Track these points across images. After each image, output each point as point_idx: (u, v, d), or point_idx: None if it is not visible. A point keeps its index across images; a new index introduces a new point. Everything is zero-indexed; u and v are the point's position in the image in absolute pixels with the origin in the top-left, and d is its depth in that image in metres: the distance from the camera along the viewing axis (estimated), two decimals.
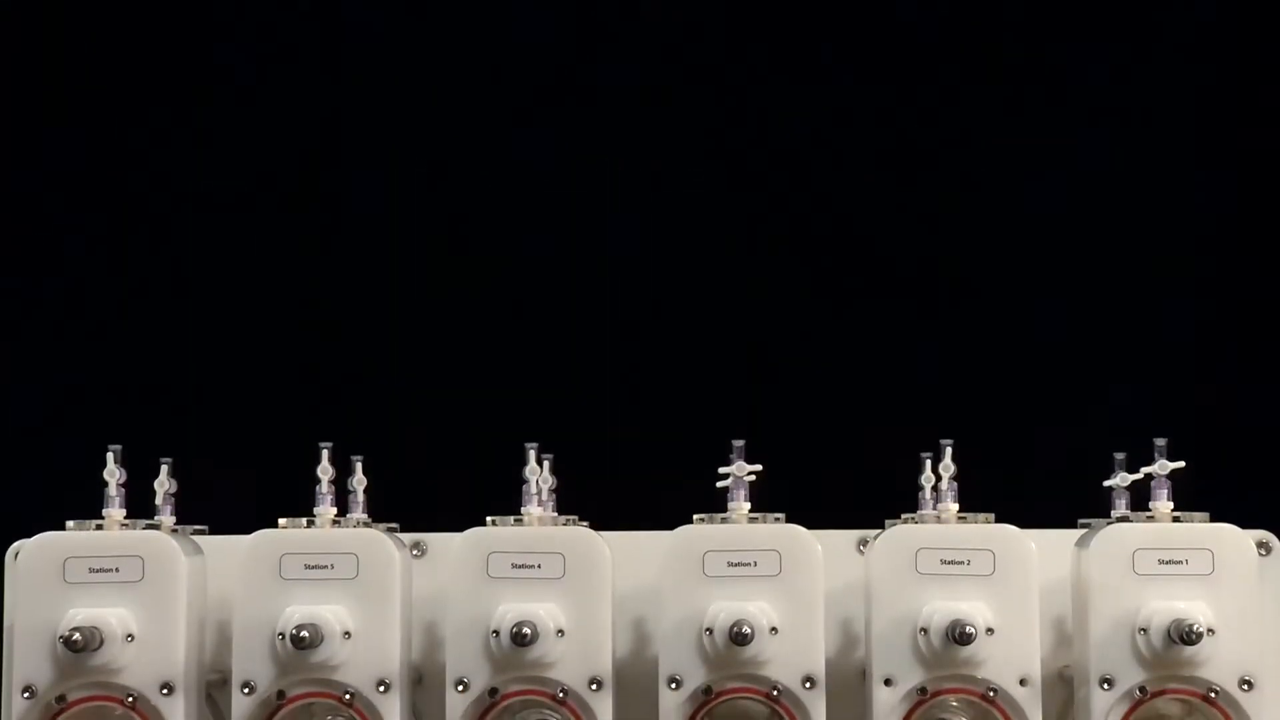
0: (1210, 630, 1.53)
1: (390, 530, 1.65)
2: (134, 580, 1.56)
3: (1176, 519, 1.59)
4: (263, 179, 2.10)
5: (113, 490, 1.61)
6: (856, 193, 2.09)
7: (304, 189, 2.10)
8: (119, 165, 2.10)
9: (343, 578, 1.58)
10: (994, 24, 2.09)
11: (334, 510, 1.62)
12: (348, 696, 1.56)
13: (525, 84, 2.10)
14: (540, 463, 1.63)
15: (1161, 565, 1.56)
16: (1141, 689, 1.55)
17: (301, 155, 2.10)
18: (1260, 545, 1.67)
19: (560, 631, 1.56)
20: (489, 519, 1.61)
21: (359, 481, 1.65)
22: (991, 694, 1.56)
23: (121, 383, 2.05)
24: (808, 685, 1.56)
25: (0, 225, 2.09)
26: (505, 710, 1.59)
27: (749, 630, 1.54)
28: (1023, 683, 1.56)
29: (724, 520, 1.61)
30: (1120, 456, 1.63)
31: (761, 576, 1.57)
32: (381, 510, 1.68)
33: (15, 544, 1.64)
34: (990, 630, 1.55)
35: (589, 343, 2.06)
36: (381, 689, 1.57)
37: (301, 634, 1.53)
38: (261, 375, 2.07)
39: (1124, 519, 1.61)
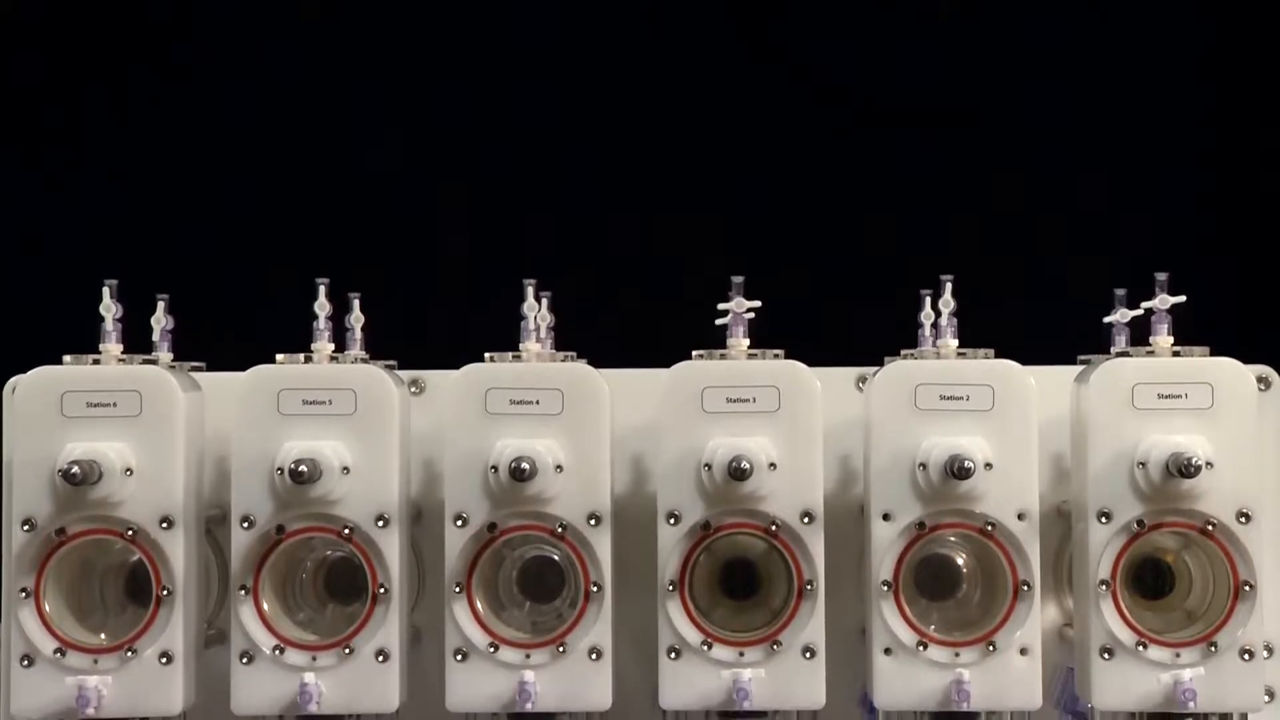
0: (1208, 463, 1.53)
1: (388, 367, 1.64)
2: (132, 415, 1.56)
3: (1176, 353, 1.58)
4: (262, 15, 2.09)
5: (109, 325, 1.60)
6: (859, 24, 2.07)
7: (302, 30, 2.09)
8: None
9: (341, 413, 1.57)
10: None
11: (331, 346, 1.62)
12: (347, 531, 1.57)
13: None
14: (539, 299, 1.62)
15: (1161, 400, 1.56)
16: (1139, 522, 1.55)
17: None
18: (1260, 380, 1.67)
19: (559, 467, 1.56)
20: (487, 355, 1.61)
21: (356, 319, 1.64)
22: (989, 528, 1.56)
23: (119, 218, 2.04)
24: (806, 520, 1.57)
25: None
26: (504, 545, 1.59)
27: (747, 465, 1.53)
28: (1020, 517, 1.56)
29: (723, 356, 1.60)
30: (1121, 292, 1.62)
31: (760, 412, 1.57)
32: (380, 349, 1.67)
33: (12, 379, 1.63)
34: (989, 465, 1.55)
35: (586, 179, 2.06)
36: (380, 524, 1.57)
37: (300, 468, 1.53)
38: (259, 210, 2.07)
39: (1124, 354, 1.60)
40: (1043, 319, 1.94)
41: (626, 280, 2.02)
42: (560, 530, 1.57)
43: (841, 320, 1.97)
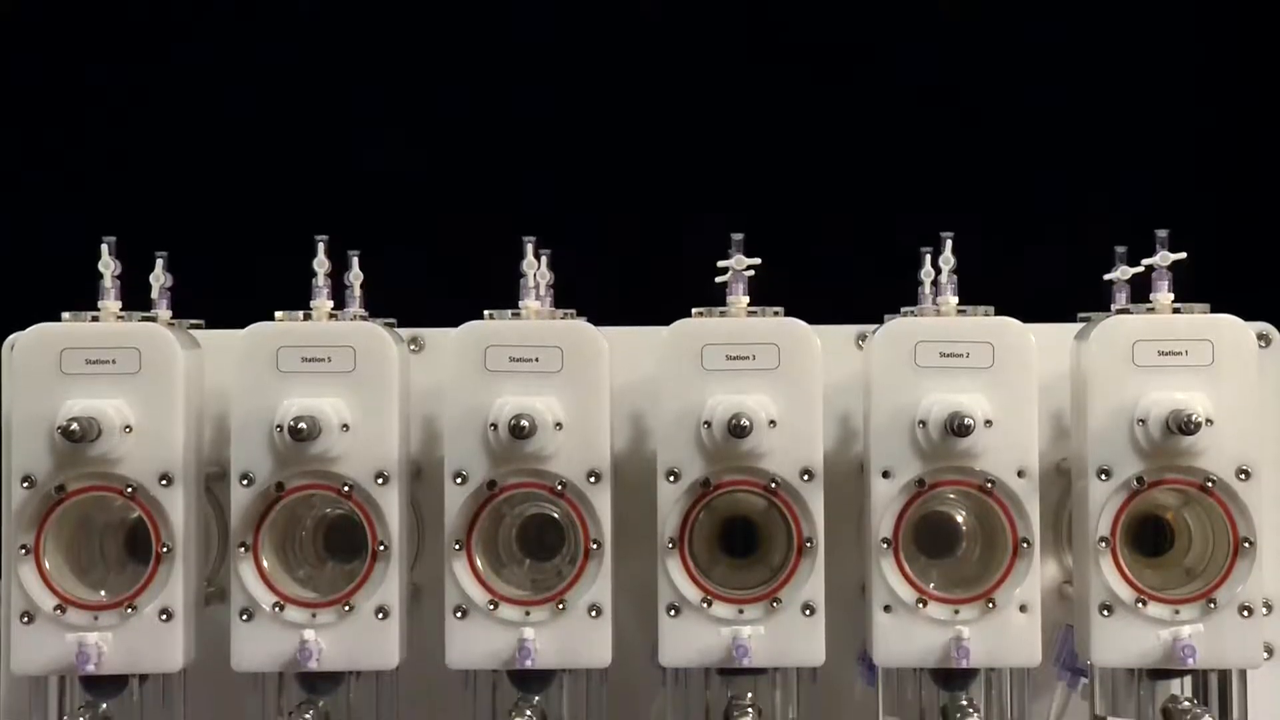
0: (1208, 420, 1.53)
1: (388, 325, 1.64)
2: (131, 372, 1.56)
3: (1177, 310, 1.58)
4: None
5: (108, 282, 1.59)
6: None
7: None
8: None
9: (340, 370, 1.57)
10: None
11: (330, 304, 1.61)
12: (346, 488, 1.57)
13: None
14: (538, 257, 1.62)
15: (1161, 356, 1.55)
16: (1139, 479, 1.55)
17: None
18: (1260, 337, 1.67)
19: (558, 424, 1.56)
20: (486, 312, 1.60)
21: (355, 276, 1.64)
22: (989, 485, 1.56)
23: (118, 175, 2.04)
24: (806, 478, 1.57)
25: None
26: (504, 502, 1.59)
27: (747, 423, 1.53)
28: (1020, 474, 1.56)
29: (722, 314, 1.60)
30: (1121, 250, 1.62)
31: (760, 370, 1.57)
32: (378, 307, 1.67)
33: (11, 336, 1.63)
34: (989, 422, 1.54)
35: (587, 136, 2.05)
36: (380, 481, 1.57)
37: (299, 425, 1.53)
38: (259, 169, 2.06)
39: (1124, 311, 1.60)
40: (1043, 275, 1.94)
41: (626, 237, 2.02)
42: (560, 488, 1.57)
43: (841, 277, 1.97)
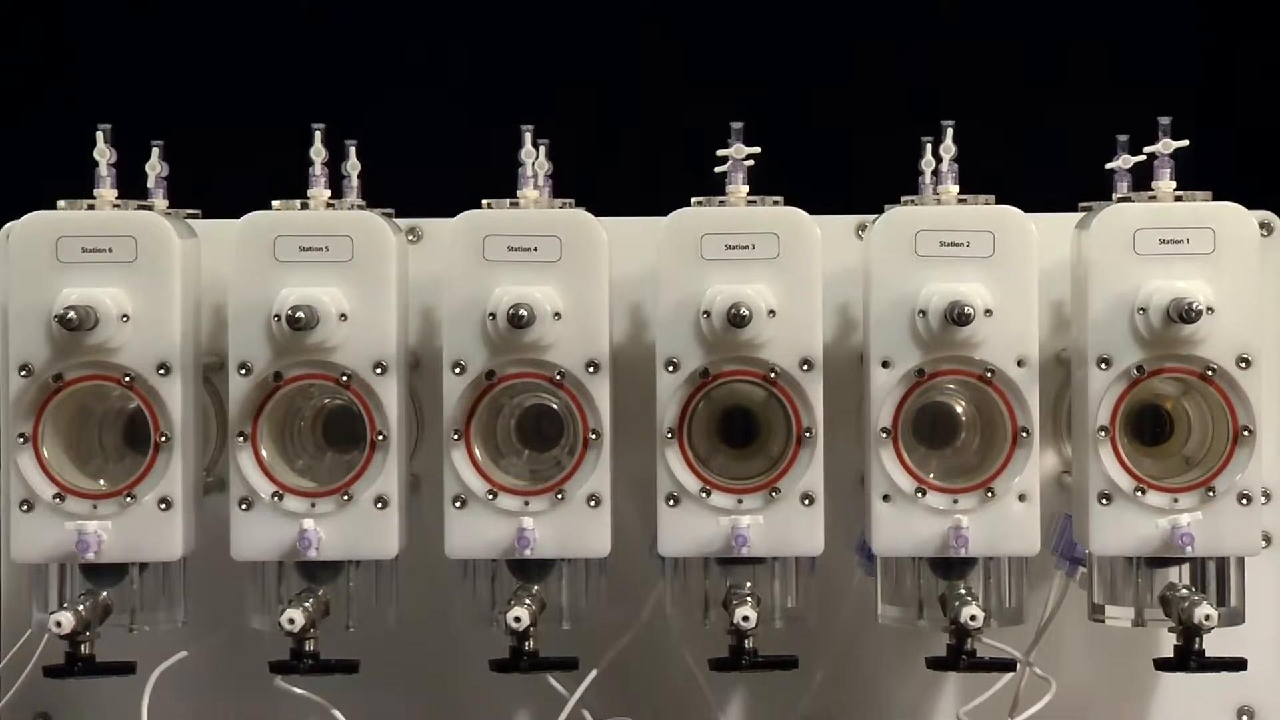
0: (1209, 308, 1.52)
1: (385, 214, 1.63)
2: (128, 260, 1.55)
3: (1179, 199, 1.57)
4: None
5: (104, 170, 1.58)
6: None
7: None
8: None
9: (338, 260, 1.56)
10: None
11: (328, 193, 1.60)
12: (345, 378, 1.56)
13: None
14: (536, 146, 1.61)
15: (1162, 245, 1.55)
16: (1139, 368, 1.55)
17: None
18: (1263, 225, 1.66)
19: (557, 314, 1.55)
20: (484, 202, 1.59)
21: (353, 166, 1.63)
22: (989, 375, 1.56)
23: (114, 64, 2.03)
24: (805, 368, 1.56)
25: None
26: (503, 392, 1.59)
27: (746, 312, 1.52)
28: (1020, 363, 1.55)
29: (722, 203, 1.59)
30: (1123, 139, 1.61)
31: (759, 259, 1.56)
32: (376, 197, 1.66)
33: (7, 225, 1.62)
34: (989, 311, 1.54)
35: (585, 25, 2.04)
36: (379, 371, 1.56)
37: (297, 314, 1.52)
38: (257, 53, 2.06)
39: (1125, 199, 1.59)
40: (1044, 164, 1.93)
41: (625, 127, 2.02)
42: (559, 377, 1.57)
43: (841, 166, 1.96)
